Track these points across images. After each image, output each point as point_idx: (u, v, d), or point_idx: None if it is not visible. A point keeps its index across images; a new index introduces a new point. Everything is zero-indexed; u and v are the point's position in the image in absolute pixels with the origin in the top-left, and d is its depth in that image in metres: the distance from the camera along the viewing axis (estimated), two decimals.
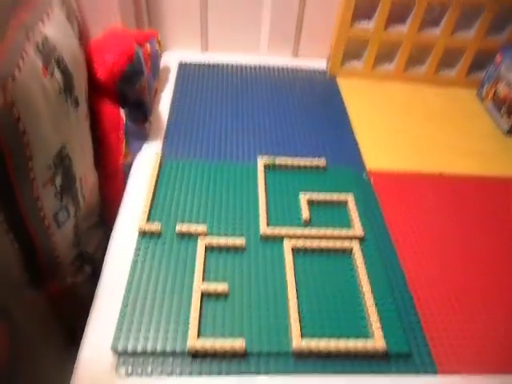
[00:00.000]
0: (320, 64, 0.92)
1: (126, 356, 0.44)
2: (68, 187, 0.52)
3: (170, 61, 0.89)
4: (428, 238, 0.59)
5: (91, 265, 0.60)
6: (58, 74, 0.46)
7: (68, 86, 0.49)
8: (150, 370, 0.43)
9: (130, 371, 0.43)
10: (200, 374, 0.43)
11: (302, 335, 0.46)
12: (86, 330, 0.47)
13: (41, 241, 0.49)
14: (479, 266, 0.57)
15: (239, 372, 0.44)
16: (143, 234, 0.56)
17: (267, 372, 0.44)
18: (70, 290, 0.55)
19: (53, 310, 0.55)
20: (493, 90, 0.83)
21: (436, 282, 0.54)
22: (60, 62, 0.47)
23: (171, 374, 0.43)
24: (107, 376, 0.43)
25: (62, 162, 0.49)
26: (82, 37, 0.58)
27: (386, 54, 0.90)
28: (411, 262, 0.56)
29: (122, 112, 0.65)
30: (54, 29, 0.48)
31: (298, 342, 0.45)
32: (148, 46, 0.71)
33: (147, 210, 0.58)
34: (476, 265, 0.57)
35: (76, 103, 0.52)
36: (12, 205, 0.44)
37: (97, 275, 0.54)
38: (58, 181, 0.49)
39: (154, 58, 0.74)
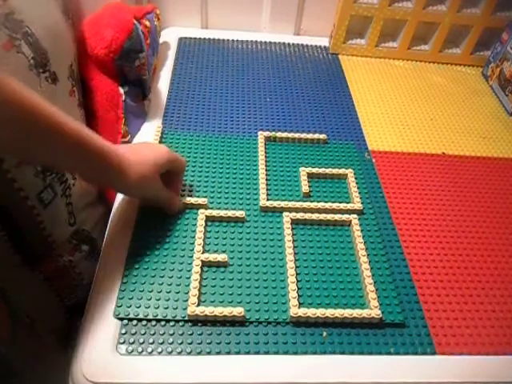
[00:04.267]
0: (322, 42, 0.91)
1: (128, 324, 0.45)
2: None
3: (170, 37, 0.87)
4: (429, 218, 0.59)
5: (89, 243, 0.60)
6: (25, 49, 0.45)
7: (40, 61, 0.47)
8: (151, 338, 0.44)
9: (131, 340, 0.43)
10: (200, 342, 0.44)
11: (300, 304, 0.47)
12: (88, 301, 0.48)
13: (26, 222, 0.48)
14: (479, 247, 0.56)
15: (238, 340, 0.44)
16: (144, 206, 0.55)
17: (265, 341, 0.45)
18: (67, 269, 0.55)
19: (50, 289, 0.55)
20: (498, 69, 0.82)
21: (435, 263, 0.54)
22: (29, 36, 0.46)
23: (172, 342, 0.43)
24: (110, 344, 0.43)
25: None
26: (70, 11, 0.56)
27: (389, 32, 0.88)
28: (411, 241, 0.56)
29: (121, 90, 0.64)
30: (23, 2, 0.46)
31: (295, 311, 0.46)
32: (146, 21, 0.70)
33: None
34: (476, 245, 0.56)
35: (53, 79, 0.50)
36: None
37: (95, 253, 0.53)
38: None
39: (153, 33, 0.72)
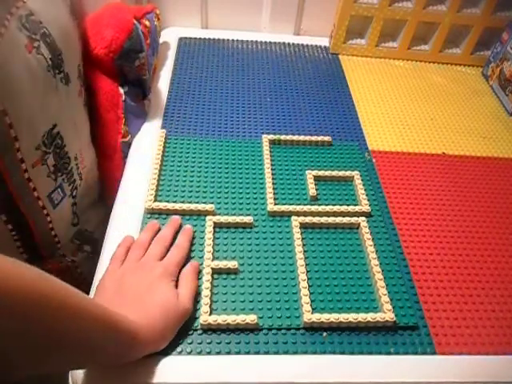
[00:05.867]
0: (322, 42, 0.91)
1: None
2: (62, 167, 0.51)
3: (170, 37, 0.87)
4: (429, 218, 0.59)
5: (91, 243, 0.60)
6: (44, 50, 0.45)
7: (56, 62, 0.47)
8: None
9: None
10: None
11: (312, 309, 0.47)
12: None
13: (35, 221, 0.49)
14: (479, 247, 0.56)
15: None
16: (151, 213, 0.55)
17: (265, 341, 0.44)
18: (70, 269, 0.55)
19: None
20: (498, 69, 0.82)
21: (435, 263, 0.54)
22: (47, 37, 0.46)
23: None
24: None
25: (53, 141, 0.48)
26: (76, 11, 0.56)
27: (389, 32, 0.88)
28: (411, 241, 0.56)
29: (121, 90, 0.64)
30: (41, 3, 0.46)
31: (308, 316, 0.46)
32: (146, 21, 0.70)
33: (154, 188, 0.57)
34: (476, 245, 0.56)
35: (67, 80, 0.50)
36: (0, 187, 0.43)
37: (97, 254, 0.53)
38: (50, 161, 0.48)
39: (153, 33, 0.72)
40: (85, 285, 0.51)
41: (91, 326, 0.33)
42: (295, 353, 0.44)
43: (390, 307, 0.47)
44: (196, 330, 0.45)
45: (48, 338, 0.30)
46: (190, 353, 0.43)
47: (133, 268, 0.46)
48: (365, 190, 0.60)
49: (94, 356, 0.36)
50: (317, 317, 0.46)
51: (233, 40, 0.89)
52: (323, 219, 0.56)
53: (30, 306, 0.28)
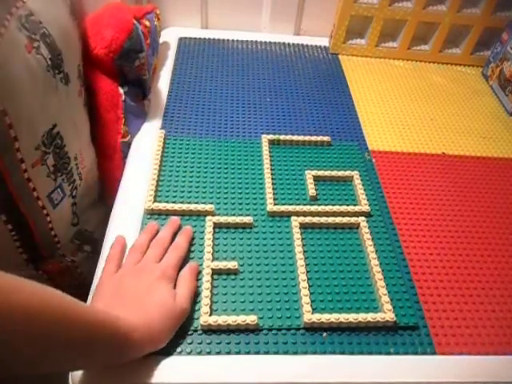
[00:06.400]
0: (322, 42, 0.91)
1: None
2: (61, 167, 0.51)
3: (170, 37, 0.87)
4: (429, 218, 0.59)
5: (91, 243, 0.60)
6: (44, 50, 0.45)
7: (56, 62, 0.47)
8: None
9: None
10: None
11: (313, 310, 0.47)
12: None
13: (35, 221, 0.49)
14: (479, 247, 0.56)
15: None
16: (150, 214, 0.55)
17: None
18: (70, 269, 0.55)
19: None
20: (498, 69, 0.82)
21: (435, 263, 0.54)
22: (46, 38, 0.46)
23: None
24: None
25: (53, 141, 0.48)
26: (76, 11, 0.56)
27: (389, 32, 0.88)
28: (411, 241, 0.56)
29: (121, 90, 0.64)
30: (41, 3, 0.46)
31: (308, 317, 0.46)
32: (146, 21, 0.70)
33: (154, 188, 0.57)
34: (476, 245, 0.56)
35: (66, 80, 0.50)
36: (0, 187, 0.43)
37: (97, 254, 0.53)
38: (50, 161, 0.48)
39: (153, 33, 0.72)
40: (85, 285, 0.52)
41: (89, 333, 0.34)
42: (295, 353, 0.44)
43: (390, 307, 0.47)
44: (196, 331, 0.45)
45: (46, 347, 0.30)
46: (189, 353, 0.43)
47: (132, 271, 0.46)
48: (364, 189, 0.60)
49: (91, 359, 0.37)
50: (317, 317, 0.46)
51: (233, 40, 0.89)
52: (323, 219, 0.56)
53: (30, 318, 0.29)
